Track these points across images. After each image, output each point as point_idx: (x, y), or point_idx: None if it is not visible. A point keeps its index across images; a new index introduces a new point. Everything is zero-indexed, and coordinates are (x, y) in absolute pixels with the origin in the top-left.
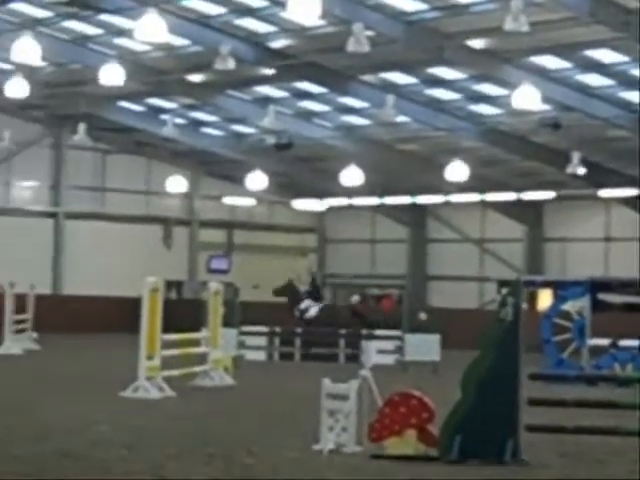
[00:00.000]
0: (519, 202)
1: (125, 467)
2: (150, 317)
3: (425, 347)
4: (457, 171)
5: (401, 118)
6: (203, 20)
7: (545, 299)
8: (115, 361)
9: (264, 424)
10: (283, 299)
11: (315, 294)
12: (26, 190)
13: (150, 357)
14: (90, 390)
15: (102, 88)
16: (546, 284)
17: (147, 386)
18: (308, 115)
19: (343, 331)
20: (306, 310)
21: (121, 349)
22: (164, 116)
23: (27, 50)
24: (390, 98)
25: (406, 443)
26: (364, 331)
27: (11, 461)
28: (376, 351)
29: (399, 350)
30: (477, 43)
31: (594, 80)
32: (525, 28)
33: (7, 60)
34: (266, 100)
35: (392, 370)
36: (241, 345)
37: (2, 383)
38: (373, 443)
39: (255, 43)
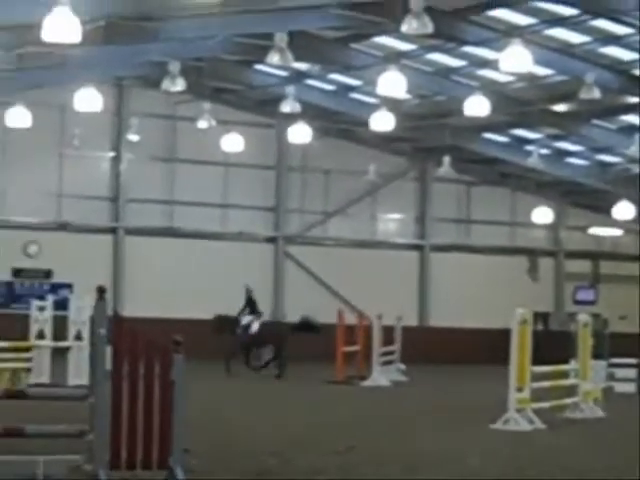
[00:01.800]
0: None
1: None
2: (519, 349)
3: None
4: None
5: None
6: (567, 49)
7: None
8: (483, 393)
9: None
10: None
11: (251, 309)
12: (391, 223)
13: (520, 389)
14: (459, 421)
15: (466, 120)
16: None
17: (517, 418)
18: None
19: None
20: (248, 326)
21: (488, 381)
22: (528, 147)
23: (392, 83)
24: None
25: None
26: None
27: None
28: None
29: None
30: None
31: None
32: None
33: (372, 94)
34: (631, 129)
35: None
36: (610, 377)
37: (371, 414)
38: None
39: (620, 71)
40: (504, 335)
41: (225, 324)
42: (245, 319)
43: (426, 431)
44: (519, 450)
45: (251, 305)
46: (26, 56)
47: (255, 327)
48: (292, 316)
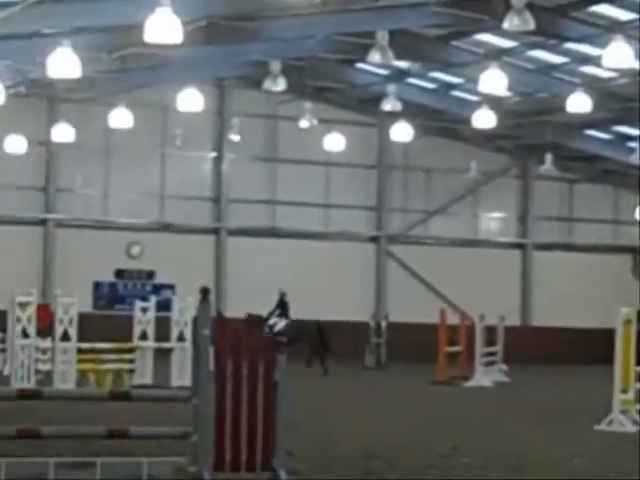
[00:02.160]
0: None
1: None
2: (623, 349)
3: None
4: None
5: None
6: None
7: None
8: (586, 393)
9: None
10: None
11: (281, 311)
12: (493, 221)
13: (624, 390)
14: (563, 422)
15: (568, 117)
16: None
17: (622, 419)
18: None
19: None
20: (274, 325)
21: (592, 381)
22: (631, 143)
23: (493, 81)
24: None
25: None
26: None
27: None
28: None
29: None
30: None
31: None
32: None
33: (473, 91)
34: None
35: None
36: None
37: (474, 415)
38: None
39: None
40: (608, 335)
41: (253, 323)
42: (272, 320)
43: (530, 432)
44: (625, 451)
45: (282, 307)
46: (128, 57)
47: (280, 325)
48: (394, 315)
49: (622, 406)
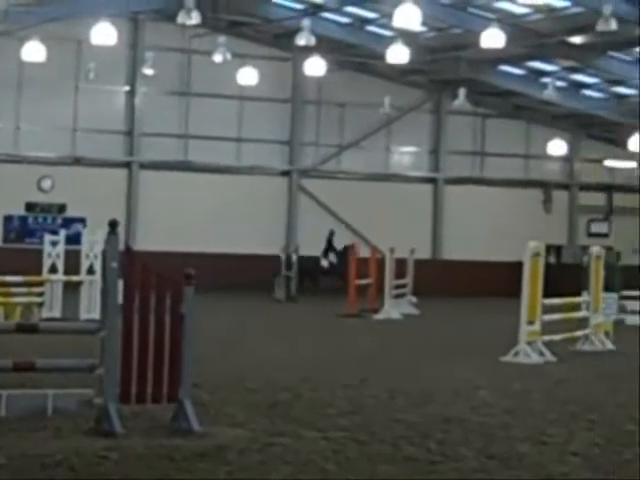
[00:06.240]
0: None
1: (506, 432)
2: (531, 282)
3: None
4: None
5: None
6: None
7: None
8: (494, 326)
9: None
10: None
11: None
12: (406, 156)
13: (531, 322)
14: (469, 354)
15: (482, 52)
16: None
17: (528, 351)
18: None
19: None
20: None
21: (500, 314)
22: (544, 79)
23: (408, 16)
24: None
25: None
26: None
27: (394, 425)
28: None
29: None
30: None
31: None
32: None
33: (388, 26)
34: None
35: None
36: (622, 309)
37: (382, 347)
38: None
39: (637, 2)
40: (517, 268)
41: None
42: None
43: (437, 363)
44: (526, 382)
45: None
46: None
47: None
48: (305, 249)
49: (528, 337)
